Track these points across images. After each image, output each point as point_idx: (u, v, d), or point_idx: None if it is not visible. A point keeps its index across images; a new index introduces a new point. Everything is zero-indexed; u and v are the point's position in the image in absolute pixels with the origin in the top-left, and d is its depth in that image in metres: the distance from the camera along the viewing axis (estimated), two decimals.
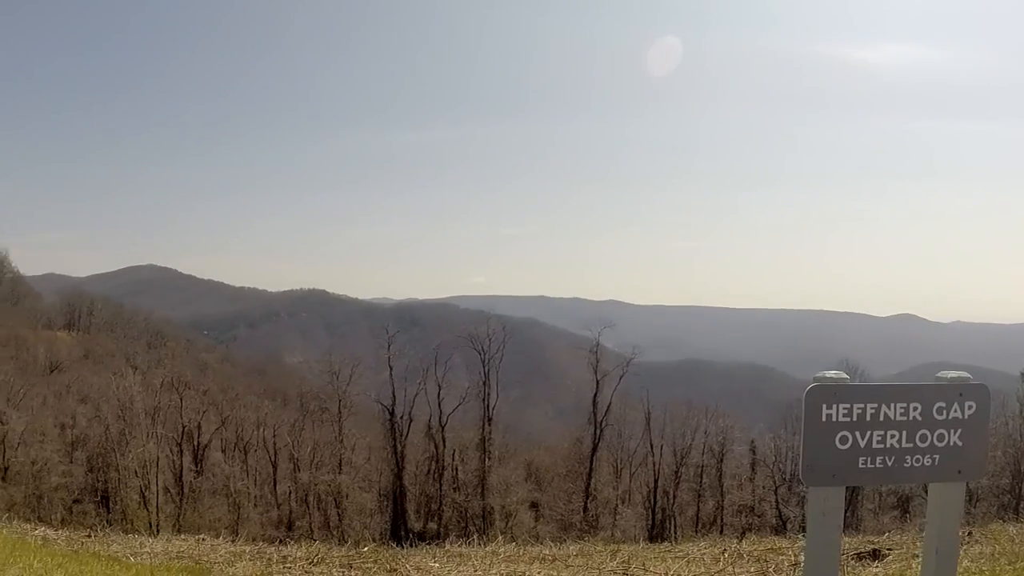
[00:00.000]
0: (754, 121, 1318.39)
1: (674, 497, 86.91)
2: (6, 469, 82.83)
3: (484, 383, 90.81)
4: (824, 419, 7.44)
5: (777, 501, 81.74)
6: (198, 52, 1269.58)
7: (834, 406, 7.38)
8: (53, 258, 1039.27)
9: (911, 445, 7.63)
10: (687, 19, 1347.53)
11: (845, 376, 7.60)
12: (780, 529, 71.20)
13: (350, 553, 15.42)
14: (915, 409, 7.62)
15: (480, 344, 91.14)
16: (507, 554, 15.67)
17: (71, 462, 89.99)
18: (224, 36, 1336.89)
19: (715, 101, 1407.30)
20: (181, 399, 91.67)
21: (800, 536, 16.75)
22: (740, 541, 17.27)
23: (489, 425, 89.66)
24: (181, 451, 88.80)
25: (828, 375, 7.56)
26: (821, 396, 7.39)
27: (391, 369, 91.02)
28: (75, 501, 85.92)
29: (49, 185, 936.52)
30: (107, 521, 69.96)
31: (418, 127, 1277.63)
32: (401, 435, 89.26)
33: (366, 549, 15.70)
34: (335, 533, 76.78)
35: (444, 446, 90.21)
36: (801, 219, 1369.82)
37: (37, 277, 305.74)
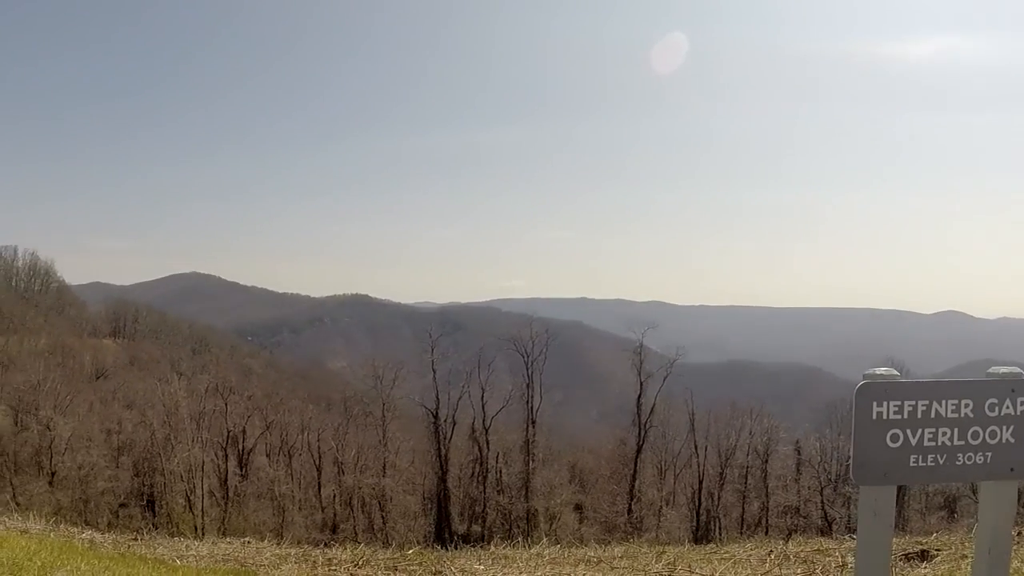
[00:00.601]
0: (789, 118, 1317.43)
1: (719, 499, 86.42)
2: (53, 474, 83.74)
3: (527, 386, 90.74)
4: (874, 417, 7.26)
5: (823, 502, 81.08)
6: (240, 56, 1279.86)
7: (884, 403, 7.23)
8: (98, 267, 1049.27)
9: (963, 443, 7.46)
10: (739, 16, 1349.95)
11: (895, 373, 7.47)
12: (826, 530, 70.67)
13: (395, 556, 15.41)
14: (967, 406, 7.45)
15: (523, 347, 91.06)
16: (552, 556, 15.62)
17: (117, 467, 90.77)
18: (261, 37, 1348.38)
19: (761, 98, 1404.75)
20: (226, 404, 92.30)
21: (847, 537, 16.57)
22: (786, 542, 17.11)
23: (533, 427, 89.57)
24: (226, 455, 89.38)
25: (878, 372, 7.42)
26: (871, 393, 7.24)
27: (434, 373, 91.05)
28: (121, 505, 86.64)
29: (93, 194, 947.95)
30: (153, 525, 70.50)
31: (459, 129, 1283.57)
32: (445, 438, 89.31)
33: (411, 552, 15.70)
34: (379, 536, 77.01)
35: (488, 449, 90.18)
36: (843, 218, 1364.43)
37: (82, 286, 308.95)
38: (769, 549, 15.85)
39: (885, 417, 7.26)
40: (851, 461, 7.48)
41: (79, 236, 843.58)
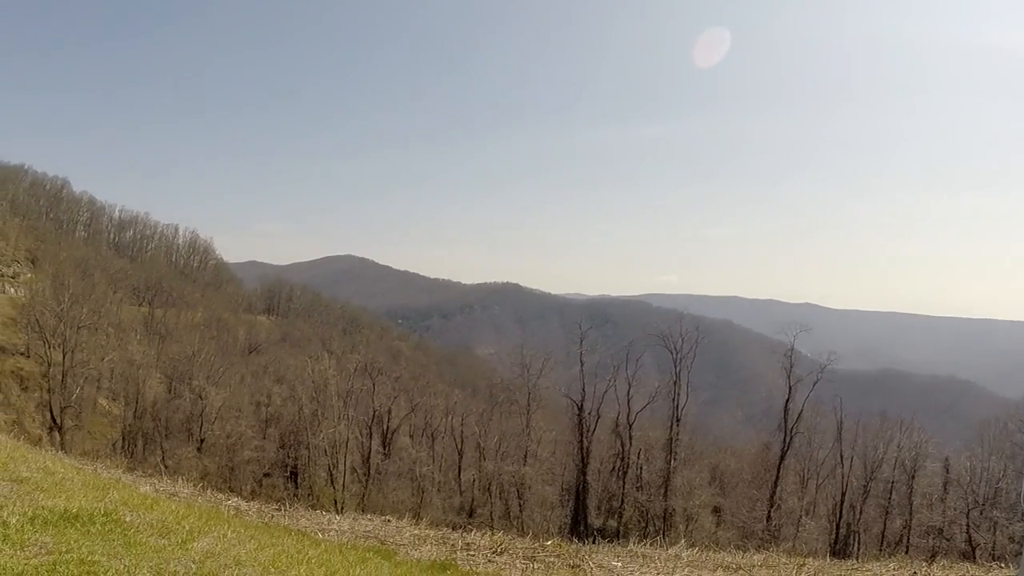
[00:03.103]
0: (957, 119, 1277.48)
1: (860, 512, 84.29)
2: (202, 440, 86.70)
3: (674, 383, 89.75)
4: None
5: (968, 525, 78.36)
6: (402, 55, 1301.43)
7: None
8: (255, 246, 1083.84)
9: None
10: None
11: None
12: (969, 555, 68.43)
13: (533, 545, 15.46)
14: None
15: (672, 344, 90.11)
16: (690, 559, 15.48)
17: (264, 438, 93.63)
18: (423, 39, 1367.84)
19: (925, 97, 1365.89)
20: (374, 384, 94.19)
21: (993, 565, 16.11)
22: (930, 564, 16.71)
23: (677, 426, 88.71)
24: (371, 434, 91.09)
25: None
26: None
27: (582, 365, 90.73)
28: (265, 474, 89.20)
29: (255, 178, 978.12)
30: (295, 495, 72.46)
31: (613, 124, 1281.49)
32: (588, 431, 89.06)
33: (549, 543, 15.71)
34: (515, 524, 77.38)
35: (630, 444, 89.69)
36: (1010, 226, 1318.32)
37: (240, 264, 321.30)
38: (913, 570, 15.48)
39: None
40: (1022, 488, 7.00)
41: (239, 217, 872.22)
